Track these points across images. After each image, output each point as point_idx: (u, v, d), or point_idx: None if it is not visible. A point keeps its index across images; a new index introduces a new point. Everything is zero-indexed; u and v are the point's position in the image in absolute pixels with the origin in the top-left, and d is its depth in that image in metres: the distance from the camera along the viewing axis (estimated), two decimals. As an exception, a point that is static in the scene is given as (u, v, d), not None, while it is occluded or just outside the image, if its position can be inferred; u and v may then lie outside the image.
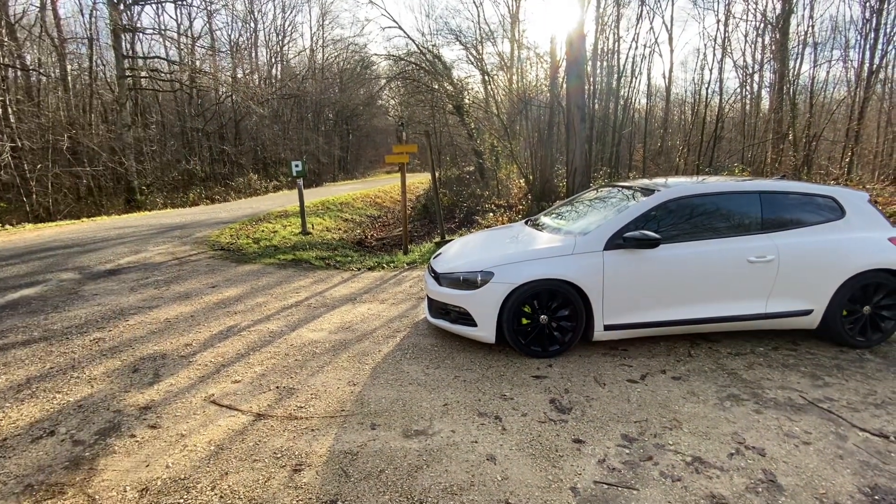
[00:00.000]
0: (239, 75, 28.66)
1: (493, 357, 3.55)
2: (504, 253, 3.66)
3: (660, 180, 4.31)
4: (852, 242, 3.61)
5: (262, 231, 9.85)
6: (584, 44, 11.99)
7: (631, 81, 22.42)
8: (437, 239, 8.58)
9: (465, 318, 3.55)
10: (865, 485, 2.16)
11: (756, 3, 17.71)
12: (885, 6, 15.02)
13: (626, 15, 21.78)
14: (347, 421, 2.71)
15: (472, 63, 18.20)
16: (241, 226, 10.30)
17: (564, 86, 14.61)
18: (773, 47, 17.55)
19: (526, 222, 4.69)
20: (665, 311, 3.50)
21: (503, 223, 10.16)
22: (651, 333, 3.60)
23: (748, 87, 19.60)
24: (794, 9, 16.26)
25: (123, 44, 20.34)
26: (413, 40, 18.22)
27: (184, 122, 24.48)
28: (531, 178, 12.83)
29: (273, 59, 32.29)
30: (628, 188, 4.15)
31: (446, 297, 3.64)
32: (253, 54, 30.40)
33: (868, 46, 16.55)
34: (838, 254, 3.58)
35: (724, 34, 19.06)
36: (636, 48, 20.49)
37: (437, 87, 17.89)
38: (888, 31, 16.19)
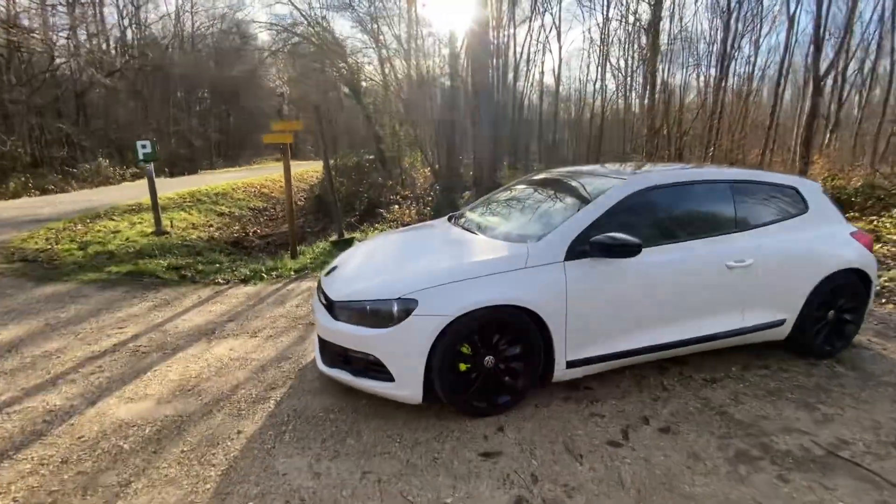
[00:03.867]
0: (83, 38, 23.42)
1: (420, 424, 2.42)
2: (430, 268, 2.52)
3: (609, 167, 3.51)
4: (821, 240, 3.14)
5: (98, 232, 7.52)
6: (487, 27, 11.26)
7: (526, 76, 22.74)
8: (334, 237, 7.18)
9: (377, 370, 2.37)
10: None
11: (628, 9, 18.83)
12: (730, 21, 17.27)
13: (520, 4, 21.81)
14: None
15: (370, 44, 16.64)
16: (65, 225, 7.79)
17: (469, 70, 13.88)
18: (645, 51, 18.86)
19: (450, 219, 3.61)
20: (639, 337, 2.68)
21: (410, 216, 9.03)
22: (621, 365, 2.76)
23: (626, 87, 20.95)
24: (661, 17, 17.62)
25: None
26: (298, 8, 16.06)
27: (-3, 92, 19.20)
28: (437, 166, 11.88)
29: (127, 22, 27.05)
30: (572, 176, 3.28)
31: (346, 337, 2.41)
32: (97, 12, 25.06)
33: (716, 57, 18.83)
34: (811, 254, 3.07)
35: (603, 36, 20.05)
36: (529, 43, 20.59)
37: (328, 64, 16.03)
38: (731, 46, 18.57)
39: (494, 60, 14.08)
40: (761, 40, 21.34)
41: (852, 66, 20.14)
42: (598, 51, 21.10)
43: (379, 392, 2.41)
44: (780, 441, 2.32)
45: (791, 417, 2.53)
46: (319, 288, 2.91)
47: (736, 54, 19.68)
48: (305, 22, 15.72)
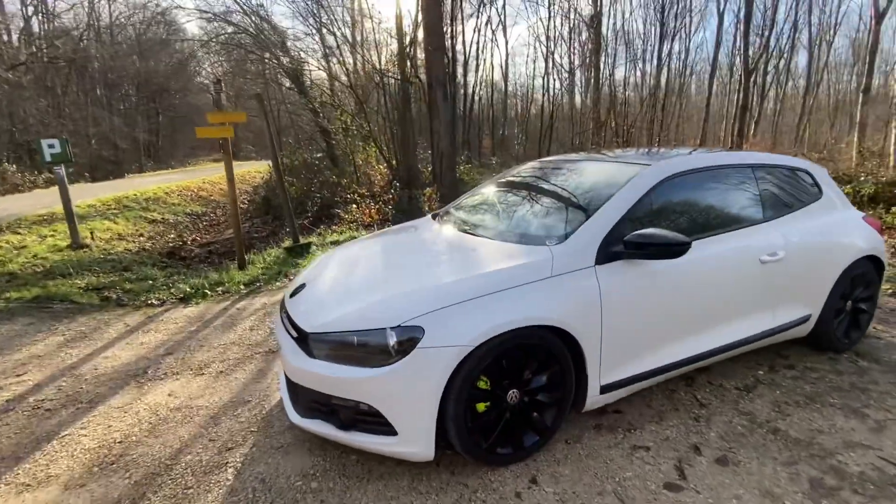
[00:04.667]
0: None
1: (432, 485, 1.88)
2: (433, 284, 1.97)
3: (619, 152, 3.10)
4: (840, 228, 2.92)
5: (-3, 248, 6.31)
6: (440, 10, 10.74)
7: (476, 70, 22.49)
8: (287, 243, 6.43)
9: (372, 421, 1.81)
10: None
11: (571, 4, 19.10)
12: (664, 19, 18.18)
13: (468, -2, 21.50)
14: None
15: (312, 35, 15.59)
16: (-47, 242, 6.49)
17: (422, 63, 13.29)
18: (590, 46, 19.23)
19: (435, 217, 3.07)
20: (677, 348, 2.28)
21: (370, 216, 8.37)
22: (655, 382, 2.36)
23: (570, 82, 21.30)
24: (602, 13, 18.04)
25: None
26: (232, -6, 14.75)
27: None
28: (394, 162, 11.23)
29: (32, 10, 24.05)
30: (578, 163, 2.85)
31: (328, 381, 1.83)
32: (-9, -2, 22.07)
33: (651, 52, 19.74)
34: (833, 243, 2.84)
35: (548, 32, 20.19)
36: (477, 39, 20.37)
37: (268, 57, 14.87)
38: (665, 42, 19.48)
39: (449, 53, 13.58)
40: (691, 37, 22.48)
41: (771, 63, 21.62)
42: (543, 46, 21.20)
43: (376, 449, 1.85)
44: (849, 461, 2.00)
45: (846, 428, 2.23)
46: (283, 312, 2.29)
47: (670, 50, 20.58)
48: (241, 10, 14.49)
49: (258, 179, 18.91)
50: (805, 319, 2.79)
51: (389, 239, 2.87)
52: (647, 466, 1.96)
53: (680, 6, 19.91)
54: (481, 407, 1.86)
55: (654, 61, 20.62)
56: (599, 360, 2.03)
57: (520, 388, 1.92)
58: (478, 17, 19.98)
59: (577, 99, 21.31)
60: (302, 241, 6.36)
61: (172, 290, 4.68)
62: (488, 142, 25.31)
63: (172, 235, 9.62)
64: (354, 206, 8.74)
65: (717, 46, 20.97)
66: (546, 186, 2.74)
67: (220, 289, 4.71)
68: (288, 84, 16.04)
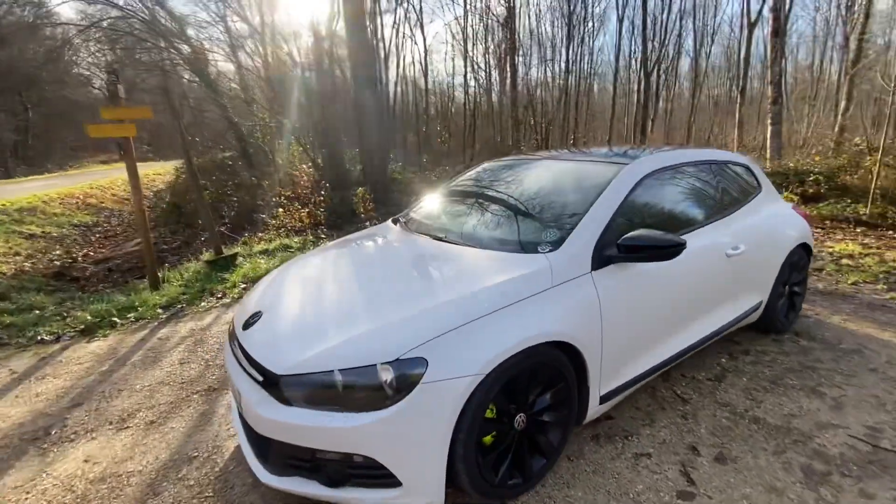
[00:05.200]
0: None
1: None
2: (427, 305, 1.69)
3: (584, 150, 3.04)
4: (779, 219, 3.13)
5: None
6: (363, 9, 10.24)
7: (398, 66, 22.14)
8: (208, 255, 5.72)
9: (369, 474, 1.53)
10: None
11: (485, 3, 19.56)
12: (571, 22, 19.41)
13: (385, -9, 21.01)
14: None
15: (215, 24, 14.22)
16: None
17: (340, 56, 12.68)
18: (504, 46, 19.86)
19: (396, 223, 2.80)
20: (664, 348, 2.26)
21: (301, 220, 7.77)
22: (643, 384, 2.32)
23: (488, 80, 21.84)
24: (516, 14, 18.74)
25: None
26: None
27: None
28: (319, 161, 10.60)
29: None
30: (549, 162, 2.74)
31: (310, 433, 1.51)
32: None
33: (563, 55, 20.99)
34: (776, 234, 3.03)
35: (464, 30, 20.48)
36: (395, 35, 20.00)
37: (164, 45, 13.31)
38: (576, 47, 20.81)
39: (374, 42, 13.09)
40: (594, 41, 24.13)
41: (662, 66, 23.87)
42: (460, 45, 21.40)
43: None
44: (826, 443, 2.10)
45: (812, 409, 2.36)
46: (235, 347, 1.91)
47: (578, 52, 21.92)
48: (127, -9, 12.76)
49: (160, 183, 17.01)
50: (758, 306, 2.95)
51: (353, 251, 2.54)
52: (654, 476, 1.90)
53: (583, 12, 21.21)
54: (488, 440, 1.67)
55: (563, 63, 21.74)
56: (600, 370, 1.93)
57: (525, 411, 1.75)
58: (395, 13, 19.64)
59: (495, 98, 21.82)
60: (226, 251, 5.69)
61: (69, 321, 3.91)
62: (412, 140, 25.09)
63: (58, 252, 8.23)
64: (281, 209, 8.07)
65: (617, 50, 22.57)
66: (520, 188, 2.59)
67: (131, 315, 4.01)
68: (189, 76, 14.51)
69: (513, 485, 1.75)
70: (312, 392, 1.54)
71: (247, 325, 1.94)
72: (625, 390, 2.11)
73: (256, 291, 2.28)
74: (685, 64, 24.45)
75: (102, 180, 15.93)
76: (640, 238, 1.89)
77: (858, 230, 6.43)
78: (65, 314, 4.13)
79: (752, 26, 17.20)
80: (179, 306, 4.22)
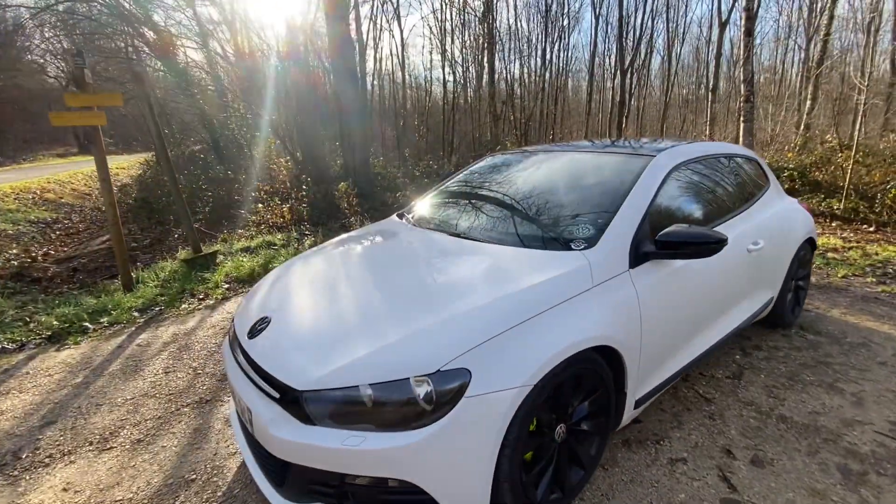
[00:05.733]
0: None
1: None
2: (465, 307, 1.52)
3: (606, 141, 2.92)
4: (788, 213, 3.10)
5: None
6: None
7: (375, 59, 21.73)
8: (185, 253, 5.39)
9: (406, 500, 1.36)
10: None
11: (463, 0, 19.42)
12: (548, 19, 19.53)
13: (360, -20, 20.54)
14: None
15: (183, 10, 13.50)
16: None
17: (320, 44, 12.26)
18: (482, 41, 19.78)
19: (401, 217, 2.62)
20: (692, 346, 2.17)
21: (282, 216, 7.44)
22: (671, 385, 2.23)
23: (465, 76, 21.73)
24: (494, 9, 18.69)
25: None
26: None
27: None
28: (298, 154, 10.23)
29: None
30: (567, 154, 2.60)
31: (337, 455, 1.33)
32: None
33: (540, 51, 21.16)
34: (788, 228, 3.00)
35: (441, 24, 20.27)
36: (372, 28, 19.61)
37: (130, 32, 12.59)
38: (553, 43, 20.96)
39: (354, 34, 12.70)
40: (569, 38, 24.32)
41: (635, 64, 24.28)
42: (437, 39, 21.16)
43: None
44: (856, 441, 2.06)
45: (835, 406, 2.32)
46: (239, 356, 1.71)
47: (556, 48, 22.05)
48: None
49: (125, 177, 16.17)
50: (770, 302, 2.91)
51: (362, 249, 2.35)
52: (694, 483, 1.80)
53: (559, 10, 21.33)
54: (529, 455, 1.53)
55: (539, 59, 21.80)
56: (637, 373, 1.82)
57: (566, 421, 1.62)
58: (372, 5, 19.24)
59: (472, 93, 21.71)
60: (204, 249, 5.36)
61: (33, 327, 3.57)
62: (390, 134, 24.73)
63: (15, 251, 7.63)
64: (261, 205, 7.71)
65: (593, 48, 22.74)
66: (540, 181, 2.44)
67: (104, 319, 3.70)
68: (157, 65, 13.77)
69: (554, 500, 1.62)
70: (340, 409, 1.36)
71: (253, 332, 1.74)
72: (657, 393, 2.01)
73: (259, 294, 2.07)
74: (656, 63, 24.91)
75: (61, 174, 15.00)
76: (680, 234, 1.78)
77: (834, 224, 6.62)
78: (28, 319, 3.77)
79: (723, 26, 17.62)
80: (157, 309, 3.92)
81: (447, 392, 1.31)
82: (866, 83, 7.63)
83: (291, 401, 1.42)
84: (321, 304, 1.79)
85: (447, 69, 20.91)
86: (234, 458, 1.97)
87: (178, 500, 1.76)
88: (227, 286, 4.39)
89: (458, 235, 2.12)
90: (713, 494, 1.75)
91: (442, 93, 22.27)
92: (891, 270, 4.44)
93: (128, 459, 1.99)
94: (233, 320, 1.97)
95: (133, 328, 3.51)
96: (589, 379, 1.64)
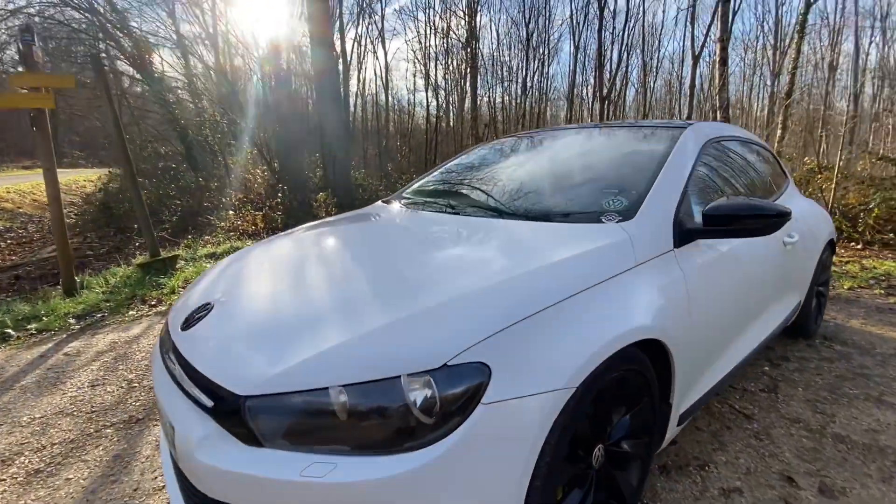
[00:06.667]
0: None
1: None
2: (479, 284, 1.12)
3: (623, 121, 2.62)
4: (811, 211, 2.84)
5: None
6: (328, 9, 9.68)
7: (358, 79, 21.71)
8: (142, 258, 4.85)
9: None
10: None
11: (446, 21, 19.76)
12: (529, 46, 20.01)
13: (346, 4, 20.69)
14: None
15: (161, 22, 13.11)
16: None
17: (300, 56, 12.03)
18: (464, 66, 20.07)
19: (387, 203, 2.23)
20: (730, 354, 1.81)
21: (255, 224, 6.95)
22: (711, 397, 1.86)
23: (447, 98, 21.93)
24: (478, 36, 19.05)
25: None
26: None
27: None
28: (276, 165, 9.80)
29: None
30: (577, 130, 2.27)
31: (289, 491, 0.89)
32: None
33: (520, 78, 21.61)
34: (814, 226, 2.72)
35: (425, 49, 20.48)
36: (356, 49, 19.65)
37: (102, 37, 12.10)
38: (533, 65, 21.46)
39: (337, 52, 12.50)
40: (549, 67, 24.98)
41: (612, 94, 24.94)
42: (420, 64, 21.31)
43: None
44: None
45: (892, 422, 1.99)
46: (169, 354, 1.27)
47: (537, 75, 22.52)
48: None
49: (90, 188, 15.36)
50: (798, 307, 2.60)
51: (343, 230, 1.92)
52: (762, 523, 1.42)
53: (539, 39, 21.88)
54: (559, 492, 1.12)
55: (520, 87, 22.13)
56: (683, 379, 1.44)
57: (604, 441, 1.23)
58: (357, 26, 19.31)
59: (455, 116, 21.84)
60: (167, 254, 4.83)
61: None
62: (373, 153, 24.55)
63: (-48, 258, 6.91)
64: (232, 211, 7.21)
65: (572, 78, 23.19)
66: (559, 156, 2.07)
67: (32, 326, 3.15)
68: (126, 70, 13.23)
69: (589, 548, 1.20)
70: (299, 423, 0.94)
71: (188, 323, 1.31)
72: (700, 407, 1.63)
73: (203, 281, 1.63)
74: (631, 94, 25.65)
75: (24, 184, 14.15)
76: (733, 206, 1.45)
77: (824, 242, 6.50)
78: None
79: (696, 58, 18.23)
80: (100, 315, 3.39)
81: (456, 397, 0.90)
82: (847, 113, 7.73)
83: (230, 412, 0.98)
84: (282, 288, 1.37)
85: (430, 92, 20.97)
86: (160, 494, 1.50)
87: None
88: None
89: (457, 214, 1.74)
90: (785, 538, 1.36)
91: (425, 115, 22.27)
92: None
93: (15, 497, 1.49)
94: (167, 315, 1.53)
95: (64, 335, 2.98)
96: (632, 384, 1.25)
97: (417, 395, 0.90)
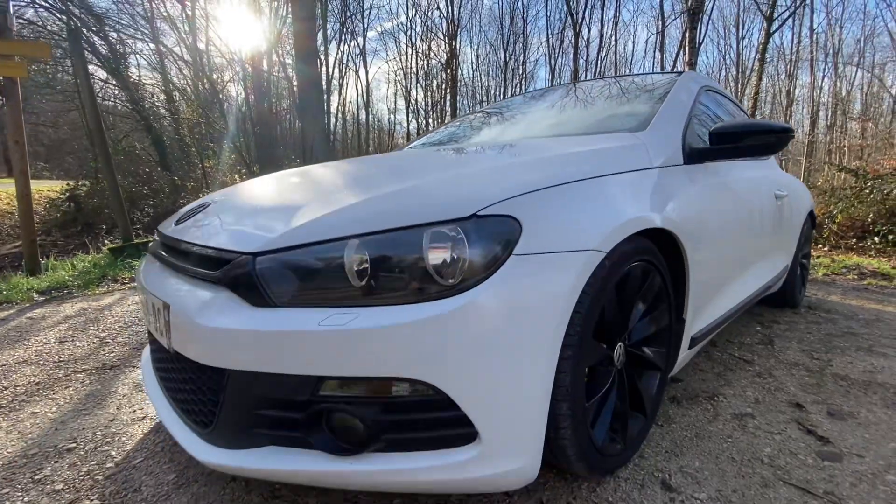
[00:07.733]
0: None
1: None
2: (508, 160, 1.14)
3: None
4: (793, 181, 2.93)
5: None
6: (314, 28, 9.71)
7: (339, 94, 21.84)
8: (114, 243, 4.62)
9: (420, 423, 0.85)
10: None
11: (427, 43, 20.29)
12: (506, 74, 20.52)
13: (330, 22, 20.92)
14: None
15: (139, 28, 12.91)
16: None
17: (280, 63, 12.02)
18: (445, 86, 20.54)
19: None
20: (735, 288, 1.81)
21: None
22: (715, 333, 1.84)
23: (426, 119, 22.29)
24: (458, 57, 19.63)
25: None
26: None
27: None
28: (256, 168, 9.64)
29: None
30: (576, 83, 2.29)
31: (304, 343, 0.81)
32: None
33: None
34: (796, 192, 2.81)
35: (406, 70, 20.89)
36: (339, 67, 19.88)
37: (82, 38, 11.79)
38: (511, 88, 22.22)
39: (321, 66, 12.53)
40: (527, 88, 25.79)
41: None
42: (402, 85, 21.65)
43: (428, 484, 0.87)
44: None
45: (886, 366, 2.00)
46: (166, 251, 1.17)
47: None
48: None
49: (57, 195, 14.73)
50: (785, 270, 2.65)
51: (359, 162, 1.80)
52: (776, 437, 1.38)
53: (515, 63, 22.64)
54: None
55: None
56: (695, 296, 1.42)
57: (623, 340, 1.18)
58: (339, 47, 19.55)
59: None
60: (139, 240, 4.62)
61: None
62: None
63: None
64: (209, 208, 6.97)
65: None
66: (565, 103, 2.05)
67: (-8, 299, 2.91)
68: (103, 75, 12.91)
69: (613, 454, 1.13)
70: (312, 280, 0.86)
71: (181, 219, 1.21)
72: (708, 335, 1.61)
73: (198, 201, 1.53)
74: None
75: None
76: (738, 125, 1.46)
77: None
78: None
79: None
80: (66, 290, 3.17)
81: (486, 248, 0.84)
82: (806, 135, 8.16)
83: (237, 277, 0.89)
84: (291, 182, 1.29)
85: (410, 110, 21.22)
86: (142, 423, 1.36)
87: (42, 472, 1.12)
88: (160, 272, 3.70)
89: (479, 144, 1.69)
90: (805, 448, 1.33)
91: (405, 134, 22.45)
92: (866, 271, 4.42)
93: (-26, 429, 1.33)
94: (154, 233, 1.42)
95: (27, 305, 2.76)
96: (649, 280, 1.21)
97: (445, 245, 0.83)
